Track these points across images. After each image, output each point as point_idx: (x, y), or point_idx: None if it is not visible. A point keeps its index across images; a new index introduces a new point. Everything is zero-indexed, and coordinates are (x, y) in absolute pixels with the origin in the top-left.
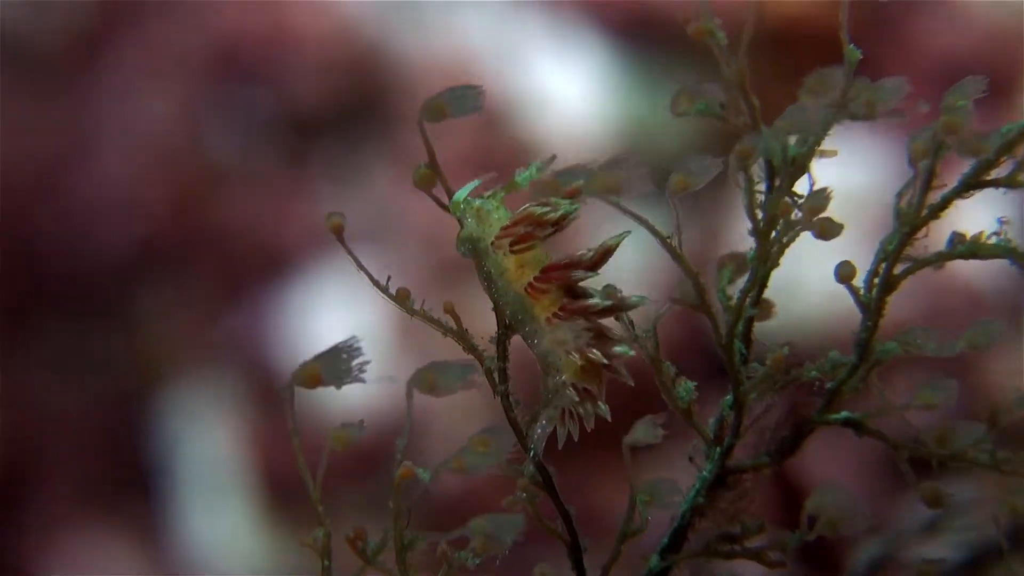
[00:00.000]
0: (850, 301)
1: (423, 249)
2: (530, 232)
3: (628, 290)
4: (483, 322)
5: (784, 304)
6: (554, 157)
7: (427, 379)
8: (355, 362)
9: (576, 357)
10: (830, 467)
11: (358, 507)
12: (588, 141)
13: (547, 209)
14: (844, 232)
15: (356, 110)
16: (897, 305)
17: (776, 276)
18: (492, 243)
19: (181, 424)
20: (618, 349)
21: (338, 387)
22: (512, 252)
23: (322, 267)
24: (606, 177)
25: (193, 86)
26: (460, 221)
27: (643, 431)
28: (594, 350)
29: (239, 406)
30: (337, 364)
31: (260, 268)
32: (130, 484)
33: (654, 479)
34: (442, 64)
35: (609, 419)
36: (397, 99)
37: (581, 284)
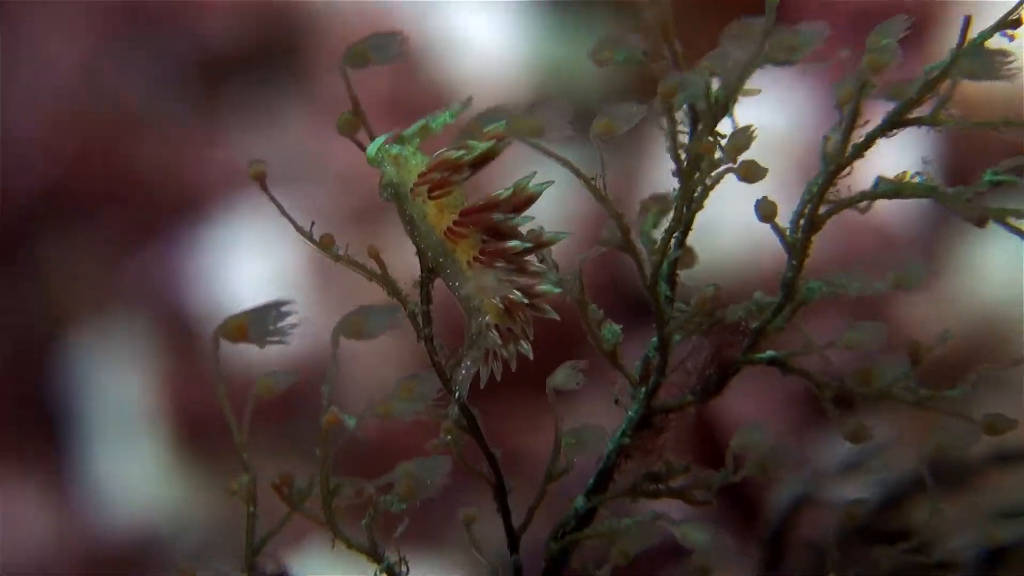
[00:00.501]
0: (768, 239)
1: (341, 191)
2: (446, 178)
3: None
4: (404, 262)
5: (702, 243)
6: (470, 99)
7: (354, 325)
8: (283, 323)
9: (498, 300)
10: (751, 402)
11: (277, 449)
12: (506, 84)
13: (462, 152)
14: (777, 177)
15: (270, 53)
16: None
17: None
18: (411, 189)
19: (90, 367)
20: (543, 288)
21: (261, 346)
22: (431, 198)
23: (238, 211)
24: (528, 119)
25: (101, 32)
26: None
27: (564, 376)
28: (516, 291)
29: (151, 349)
30: (264, 322)
31: (173, 212)
32: (38, 428)
33: (580, 425)
34: (359, 5)
35: (531, 357)
36: (312, 41)
37: (503, 224)
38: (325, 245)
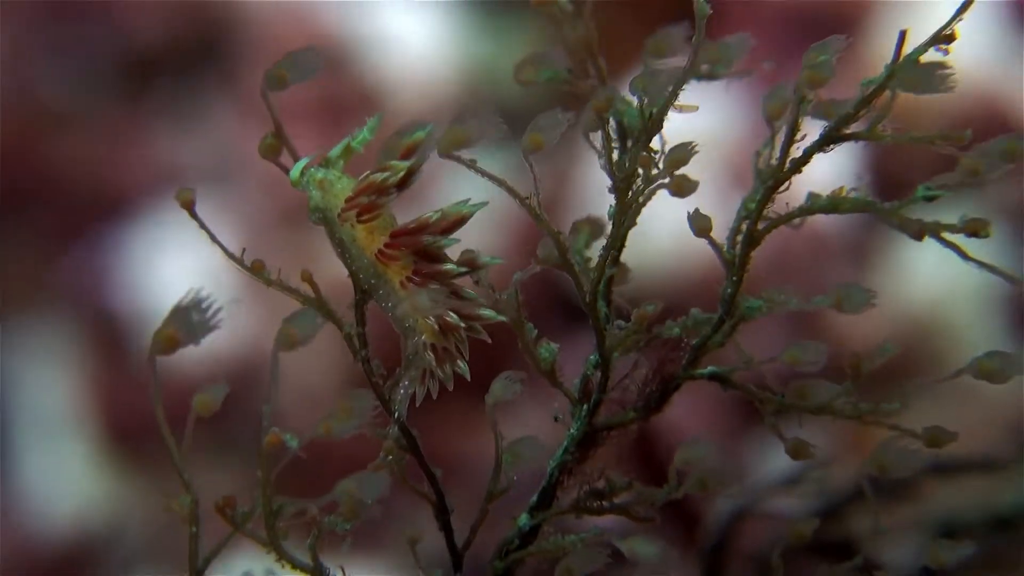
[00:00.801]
0: (699, 242)
1: (267, 190)
2: (373, 202)
3: (482, 236)
4: (337, 266)
5: (633, 249)
6: (382, 115)
7: (289, 335)
8: (207, 313)
9: (432, 320)
10: (686, 407)
11: (210, 449)
12: (436, 83)
13: (387, 175)
14: (702, 174)
15: (195, 49)
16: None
17: None
18: (339, 214)
19: (15, 367)
20: (479, 312)
21: (196, 343)
22: (360, 222)
23: (164, 209)
24: (456, 132)
25: (23, 27)
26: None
27: (501, 387)
28: (450, 312)
29: (78, 350)
30: (190, 320)
31: (98, 211)
32: None
33: (518, 439)
34: (285, 5)
35: (468, 378)
36: (238, 40)
37: (433, 246)
38: (256, 270)
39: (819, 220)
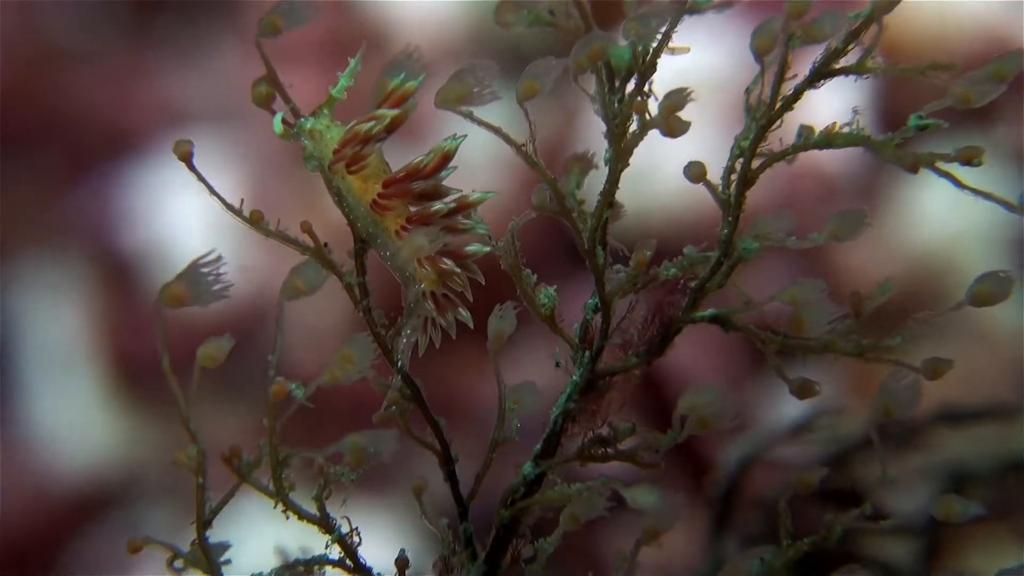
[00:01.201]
0: (704, 194)
1: (271, 127)
2: (359, 152)
3: (489, 179)
4: (337, 210)
5: (642, 188)
6: (360, 57)
7: (294, 286)
8: (217, 279)
9: (429, 268)
10: (694, 349)
11: (215, 392)
12: (441, 23)
13: (372, 124)
14: (706, 113)
15: None
16: (750, 190)
17: (633, 159)
18: (330, 166)
19: (22, 303)
20: (471, 249)
21: (203, 306)
22: (350, 173)
23: (169, 147)
24: (455, 87)
25: None
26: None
27: (498, 323)
28: (445, 259)
29: (86, 287)
30: (199, 282)
31: (105, 148)
32: None
33: (517, 384)
34: None
35: (472, 325)
36: None
37: (426, 190)
38: (254, 220)
39: (826, 161)
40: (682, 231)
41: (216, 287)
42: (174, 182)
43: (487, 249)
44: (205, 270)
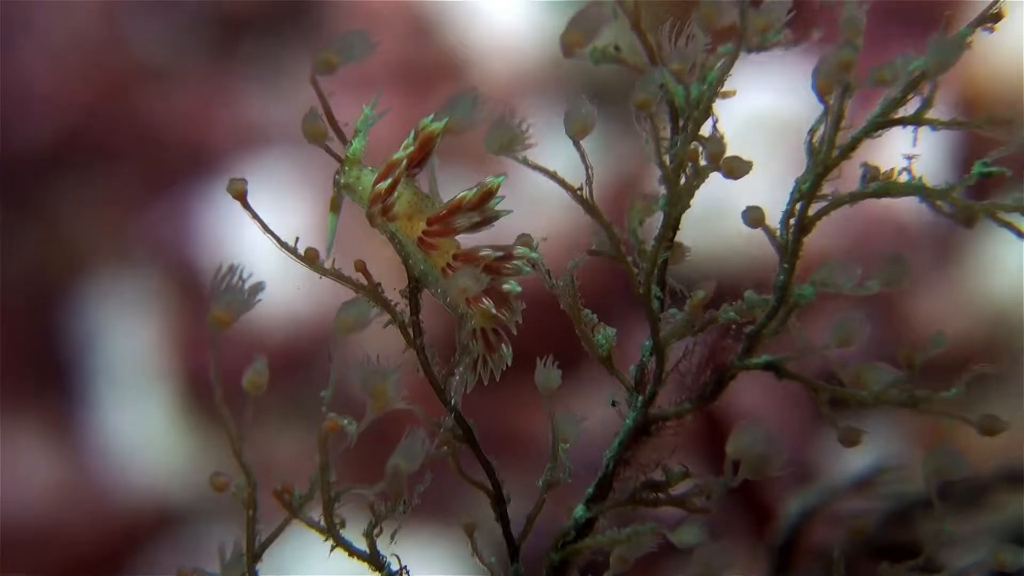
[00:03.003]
0: (774, 219)
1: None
2: (387, 204)
3: (552, 213)
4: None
5: (710, 227)
6: (374, 105)
7: (346, 323)
8: (248, 287)
9: (473, 309)
10: (752, 397)
11: (276, 407)
12: (520, 54)
13: (387, 182)
14: (778, 156)
15: (283, 10)
16: (823, 232)
17: (701, 197)
18: (369, 214)
19: (99, 319)
20: (507, 287)
21: (248, 311)
22: (386, 219)
23: (248, 168)
24: (501, 135)
25: None
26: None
27: (544, 377)
28: (485, 299)
29: (160, 304)
30: (236, 296)
31: (185, 166)
32: (43, 377)
33: (559, 415)
34: None
35: (509, 363)
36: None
37: (472, 225)
38: (310, 259)
39: (901, 208)
40: (752, 270)
41: (250, 292)
42: (250, 202)
43: (516, 289)
44: (231, 282)
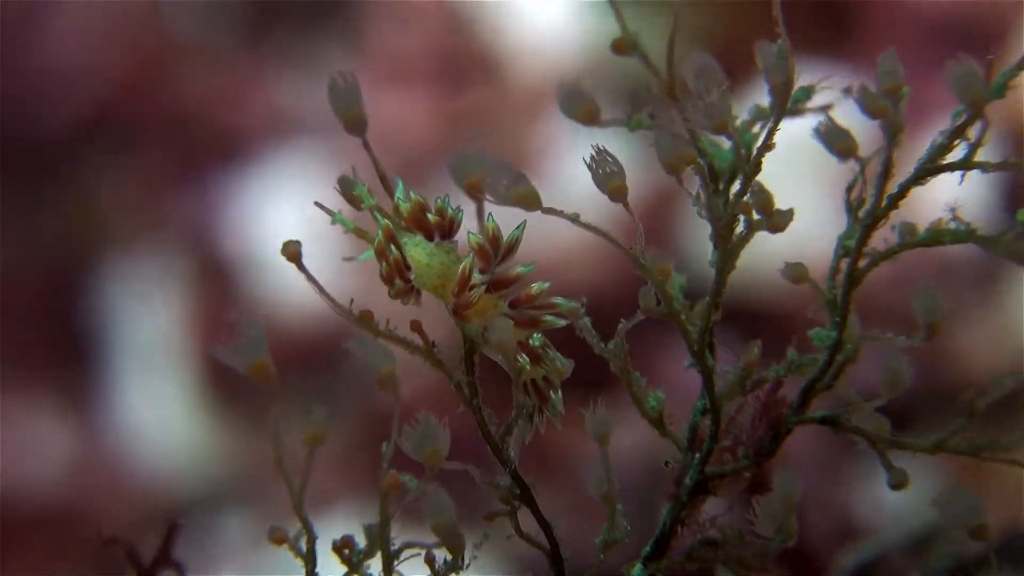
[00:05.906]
0: (816, 251)
1: (381, 146)
2: (398, 285)
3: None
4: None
5: (752, 263)
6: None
7: (378, 369)
8: (252, 336)
9: (522, 359)
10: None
11: (307, 397)
12: (558, 55)
13: (386, 268)
14: (819, 182)
15: None
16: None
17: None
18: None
19: (123, 297)
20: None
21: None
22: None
23: (278, 156)
24: (518, 192)
25: None
26: None
27: (595, 424)
28: (521, 354)
29: (183, 285)
30: (255, 342)
31: (216, 149)
32: (63, 353)
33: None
34: None
35: (562, 410)
36: None
37: (500, 276)
38: (365, 320)
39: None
40: (790, 296)
41: (260, 330)
42: (278, 190)
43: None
44: (244, 331)
